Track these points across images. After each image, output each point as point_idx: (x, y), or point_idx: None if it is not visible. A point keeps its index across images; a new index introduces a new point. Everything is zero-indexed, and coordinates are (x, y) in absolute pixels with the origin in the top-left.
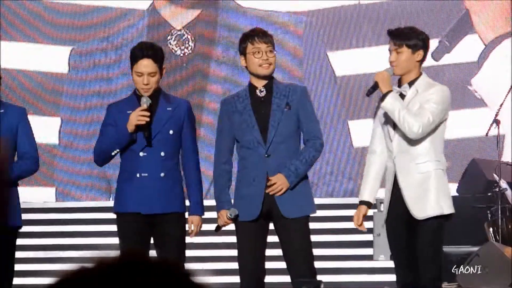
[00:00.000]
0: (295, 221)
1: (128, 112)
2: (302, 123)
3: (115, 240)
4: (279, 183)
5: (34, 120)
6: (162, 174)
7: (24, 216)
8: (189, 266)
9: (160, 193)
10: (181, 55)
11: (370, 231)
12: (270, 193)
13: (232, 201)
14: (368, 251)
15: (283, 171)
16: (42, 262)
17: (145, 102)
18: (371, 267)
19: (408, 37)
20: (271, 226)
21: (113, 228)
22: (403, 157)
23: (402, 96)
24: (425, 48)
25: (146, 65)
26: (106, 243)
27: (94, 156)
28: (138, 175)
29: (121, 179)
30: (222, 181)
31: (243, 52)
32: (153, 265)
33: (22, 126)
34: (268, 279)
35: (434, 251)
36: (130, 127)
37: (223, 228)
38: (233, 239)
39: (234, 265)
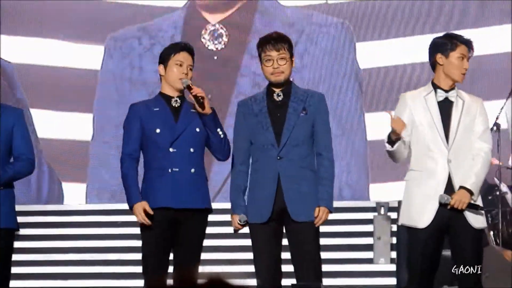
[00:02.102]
0: (304, 224)
1: (155, 109)
2: (316, 131)
3: (117, 243)
4: (320, 215)
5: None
6: (192, 170)
7: (23, 219)
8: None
9: (192, 188)
10: (214, 49)
11: (370, 234)
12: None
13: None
14: (368, 254)
15: (321, 203)
16: (41, 264)
17: (185, 82)
18: (371, 271)
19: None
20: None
21: (115, 231)
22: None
23: (448, 101)
24: None
25: (187, 57)
26: (107, 246)
27: (121, 164)
28: (170, 170)
29: (151, 176)
30: (238, 182)
31: (260, 59)
32: None
33: (17, 127)
34: (285, 282)
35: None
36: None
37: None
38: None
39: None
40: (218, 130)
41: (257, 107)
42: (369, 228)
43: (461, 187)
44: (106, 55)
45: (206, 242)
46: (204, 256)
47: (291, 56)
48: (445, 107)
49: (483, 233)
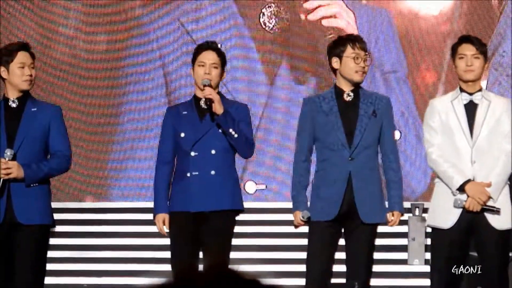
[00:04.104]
0: (368, 226)
1: (184, 112)
2: (383, 133)
3: (152, 241)
4: (395, 219)
5: None
6: (212, 172)
7: (59, 216)
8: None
9: (210, 191)
10: (273, 28)
11: (404, 235)
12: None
13: (309, 202)
14: (402, 255)
15: (395, 207)
16: (76, 262)
17: (203, 82)
18: (405, 271)
19: (484, 45)
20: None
21: (148, 228)
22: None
23: (473, 104)
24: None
25: (210, 56)
26: (142, 244)
27: (155, 169)
28: (188, 175)
29: (175, 180)
30: (300, 179)
31: (339, 54)
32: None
33: (54, 124)
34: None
35: None
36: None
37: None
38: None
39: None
40: (231, 130)
41: (327, 106)
42: (403, 229)
43: None
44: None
45: (244, 241)
46: (242, 255)
47: None
48: (471, 110)
49: (510, 234)
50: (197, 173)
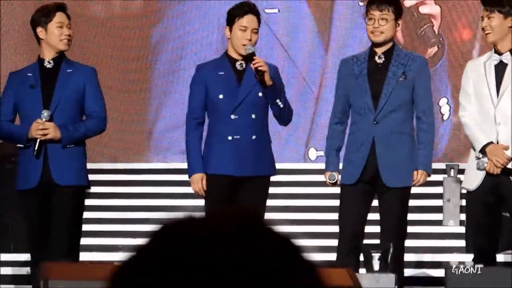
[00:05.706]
0: (395, 190)
1: (220, 73)
2: (416, 95)
3: (185, 202)
4: (418, 178)
5: None
6: (254, 137)
7: (94, 177)
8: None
9: (253, 156)
10: None
11: (440, 196)
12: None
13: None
14: (437, 216)
15: (420, 166)
16: (112, 223)
17: (248, 49)
18: (440, 233)
19: (504, 5)
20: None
21: (184, 190)
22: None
23: (503, 64)
24: None
25: (251, 20)
26: (176, 205)
27: (186, 129)
28: (230, 138)
29: (212, 142)
30: (332, 141)
31: (364, 17)
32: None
33: (89, 85)
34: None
35: None
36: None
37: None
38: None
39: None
40: (277, 100)
41: (358, 68)
42: (438, 190)
43: None
44: None
45: (276, 202)
46: (273, 216)
47: (396, 19)
48: (500, 70)
49: None
50: (238, 137)
